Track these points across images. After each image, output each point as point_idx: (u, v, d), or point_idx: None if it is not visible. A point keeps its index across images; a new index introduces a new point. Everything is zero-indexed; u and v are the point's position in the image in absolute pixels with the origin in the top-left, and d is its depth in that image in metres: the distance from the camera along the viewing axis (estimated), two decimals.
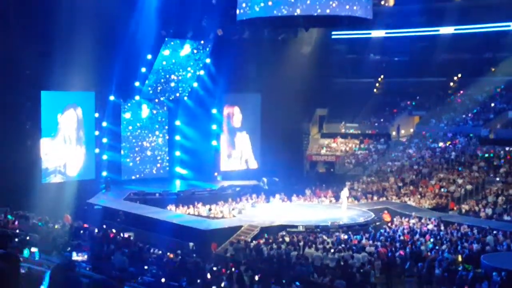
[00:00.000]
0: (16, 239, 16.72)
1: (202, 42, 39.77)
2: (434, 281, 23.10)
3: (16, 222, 23.43)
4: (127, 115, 40.66)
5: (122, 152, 40.33)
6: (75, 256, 15.76)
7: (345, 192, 34.71)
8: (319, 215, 32.68)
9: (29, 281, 8.68)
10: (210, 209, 33.76)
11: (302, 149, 46.92)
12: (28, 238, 17.70)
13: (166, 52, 38.65)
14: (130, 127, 40.94)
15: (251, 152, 44.27)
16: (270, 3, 30.61)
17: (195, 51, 39.90)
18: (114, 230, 27.14)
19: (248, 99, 43.84)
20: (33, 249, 14.82)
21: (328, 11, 30.29)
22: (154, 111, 42.16)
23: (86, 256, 15.80)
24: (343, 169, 45.39)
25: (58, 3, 29.88)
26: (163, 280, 14.83)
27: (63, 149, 35.58)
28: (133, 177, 40.86)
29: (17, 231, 20.17)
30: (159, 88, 40.77)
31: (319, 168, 47.35)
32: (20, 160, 31.63)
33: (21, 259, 10.19)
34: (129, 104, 40.62)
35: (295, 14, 30.14)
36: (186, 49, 39.52)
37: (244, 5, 32.10)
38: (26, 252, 13.20)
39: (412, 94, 52.61)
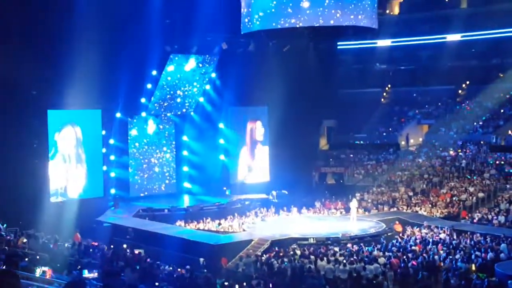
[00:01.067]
0: (26, 259, 16.76)
1: (207, 56, 39.98)
2: None
3: (26, 242, 23.50)
4: (134, 132, 40.83)
5: (129, 169, 40.46)
6: (86, 274, 15.80)
7: (354, 204, 34.68)
8: (330, 227, 32.67)
9: None
10: (219, 224, 33.80)
11: (311, 161, 46.86)
12: (38, 257, 17.76)
13: (170, 68, 38.85)
14: (137, 144, 41.08)
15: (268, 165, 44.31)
16: (273, 14, 30.83)
17: (200, 65, 40.11)
18: (124, 247, 27.21)
19: (255, 112, 43.94)
20: (44, 268, 14.87)
21: (332, 22, 30.41)
22: (161, 127, 42.30)
23: (96, 274, 15.82)
24: (352, 180, 45.33)
25: (63, 22, 30.12)
26: None
27: (68, 168, 35.61)
28: (142, 194, 40.93)
29: (27, 250, 20.23)
30: (165, 104, 40.95)
31: (328, 179, 47.30)
32: (28, 179, 31.76)
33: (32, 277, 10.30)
34: (135, 121, 40.78)
35: (297, 26, 30.28)
36: (191, 63, 39.74)
37: (248, 18, 32.33)
38: (38, 272, 13.25)
39: (420, 103, 52.61)
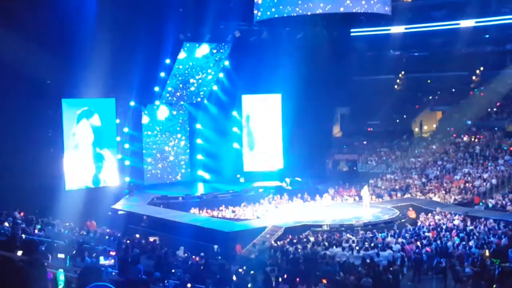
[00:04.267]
0: (43, 247, 16.89)
1: (221, 44, 39.98)
2: (463, 277, 23.00)
3: (41, 229, 23.69)
4: (148, 120, 40.95)
5: (144, 157, 40.62)
6: (102, 261, 15.93)
7: (365, 191, 34.65)
8: (343, 214, 32.67)
9: (57, 285, 8.85)
10: (233, 211, 33.90)
11: (325, 149, 46.80)
12: (54, 244, 17.89)
13: (181, 56, 38.79)
14: (151, 132, 41.23)
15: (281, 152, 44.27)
16: (285, 2, 30.85)
17: (214, 51, 40.06)
18: (140, 235, 27.38)
19: (268, 100, 43.87)
20: (60, 255, 14.98)
21: (341, 9, 30.42)
22: (174, 114, 42.38)
23: (113, 261, 15.93)
24: (365, 167, 45.25)
25: (77, 12, 30.19)
26: (189, 285, 14.91)
27: (86, 162, 35.81)
28: (156, 182, 41.09)
29: (43, 238, 20.39)
30: (178, 92, 41.01)
31: (341, 166, 47.24)
32: (43, 168, 32.00)
33: (46, 264, 10.39)
34: (149, 110, 40.88)
35: (309, 13, 30.31)
36: (204, 49, 39.66)
37: (260, 6, 32.34)
38: (51, 258, 13.37)
39: (434, 90, 52.37)
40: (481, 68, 50.74)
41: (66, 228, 25.67)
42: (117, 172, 37.31)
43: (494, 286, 20.57)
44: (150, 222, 31.50)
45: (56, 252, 14.41)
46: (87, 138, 35.89)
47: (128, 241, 24.57)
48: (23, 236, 18.83)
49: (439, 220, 30.89)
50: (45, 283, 5.68)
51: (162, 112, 41.76)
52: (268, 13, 32.01)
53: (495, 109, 46.91)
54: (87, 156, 35.87)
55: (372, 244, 25.95)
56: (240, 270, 20.44)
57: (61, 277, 9.50)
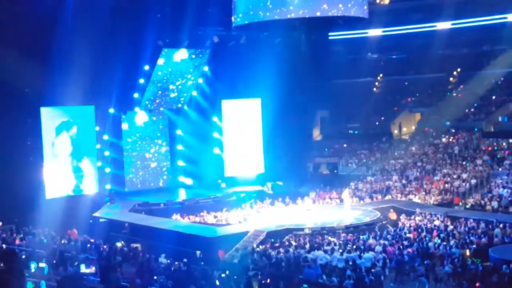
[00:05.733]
0: (24, 256, 16.75)
1: (198, 50, 39.96)
2: (444, 278, 23.14)
3: (22, 239, 23.49)
4: (128, 127, 40.78)
5: (124, 164, 40.45)
6: (84, 269, 15.82)
7: (346, 194, 34.79)
8: (325, 217, 32.71)
9: None
10: (215, 216, 33.84)
11: (305, 152, 46.89)
12: (35, 254, 17.74)
13: (160, 62, 38.69)
14: (131, 139, 41.09)
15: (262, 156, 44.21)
16: (262, 7, 30.94)
17: (193, 56, 40.00)
18: (121, 243, 27.20)
19: (248, 105, 43.85)
20: (41, 264, 14.86)
21: (318, 13, 30.54)
22: (154, 120, 42.27)
23: (94, 269, 15.83)
24: (346, 169, 45.41)
25: (54, 18, 30.01)
26: None
27: (64, 172, 35.61)
28: (137, 189, 40.92)
29: (24, 247, 20.22)
30: (157, 99, 40.92)
31: (322, 169, 47.36)
32: (23, 177, 31.77)
33: (27, 274, 10.29)
34: (129, 116, 40.73)
35: (287, 17, 30.44)
36: (183, 54, 39.56)
37: (238, 11, 32.41)
38: (34, 267, 13.24)
39: (412, 91, 52.73)
40: (458, 70, 51.22)
41: (47, 237, 25.46)
42: (95, 180, 37.07)
43: (477, 285, 20.72)
44: (132, 229, 31.31)
45: (37, 262, 14.27)
46: (66, 149, 35.72)
47: (109, 249, 24.41)
48: (3, 246, 18.67)
49: (420, 221, 31.04)
50: None
51: (142, 118, 41.63)
52: (245, 19, 32.09)
53: (472, 110, 47.31)
54: (66, 167, 35.68)
55: (354, 247, 26.02)
56: (223, 275, 20.38)
57: None
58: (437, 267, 23.88)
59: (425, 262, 24.04)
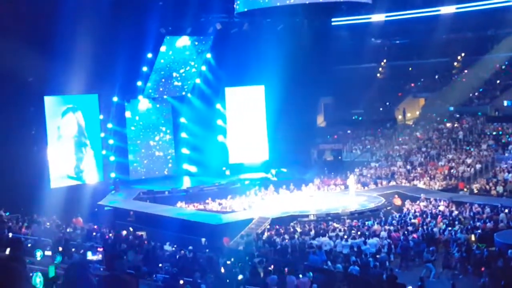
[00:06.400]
0: (29, 244, 16.82)
1: (201, 37, 39.91)
2: (450, 264, 23.15)
3: (28, 227, 23.58)
4: (131, 116, 40.76)
5: (129, 152, 40.48)
6: (90, 256, 15.88)
7: (351, 180, 34.80)
8: (330, 203, 32.77)
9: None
10: (220, 204, 33.91)
11: (309, 139, 46.86)
12: (40, 242, 17.81)
13: (163, 49, 38.60)
14: (135, 127, 41.07)
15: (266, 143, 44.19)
16: None
17: (196, 43, 39.94)
18: (127, 230, 27.30)
19: (252, 92, 43.82)
20: (47, 253, 14.91)
21: None
22: (158, 107, 42.22)
23: (100, 256, 15.90)
24: (350, 155, 45.38)
25: (57, 7, 29.94)
26: (181, 282, 14.88)
27: (68, 153, 35.70)
28: (142, 177, 40.98)
29: (30, 235, 20.31)
30: (161, 87, 40.87)
31: (326, 156, 47.34)
32: (28, 166, 31.85)
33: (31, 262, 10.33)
34: (132, 105, 40.72)
35: (288, 3, 30.48)
36: (185, 42, 39.50)
37: None
38: (40, 255, 13.30)
39: (416, 77, 52.57)
40: (463, 54, 51.00)
41: (52, 226, 25.57)
42: (100, 168, 37.15)
43: (482, 269, 20.75)
44: (136, 217, 31.44)
45: (43, 250, 14.33)
46: (72, 129, 35.81)
47: (115, 237, 24.52)
48: (10, 234, 18.74)
49: (425, 206, 31.06)
50: (29, 280, 5.66)
51: (146, 106, 41.61)
52: (247, 6, 32.09)
53: (476, 94, 47.18)
54: (70, 147, 35.77)
55: (359, 233, 26.06)
56: (228, 262, 20.44)
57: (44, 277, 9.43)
58: (443, 252, 23.92)
59: (431, 248, 24.05)
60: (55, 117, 35.03)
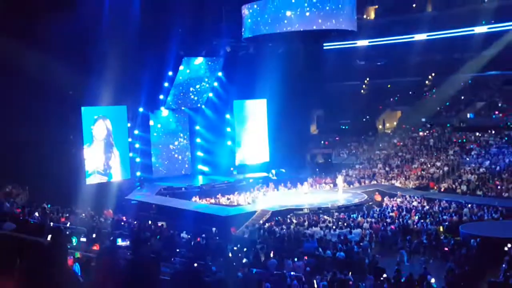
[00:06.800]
0: (67, 232, 16.79)
1: (214, 58, 39.94)
2: (421, 250, 23.10)
3: (66, 218, 23.55)
4: (154, 124, 40.75)
5: (152, 155, 40.45)
6: (120, 242, 15.84)
7: (339, 180, 34.77)
8: (321, 199, 32.71)
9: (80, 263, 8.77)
10: (228, 199, 33.85)
11: (304, 144, 46.78)
12: (77, 230, 17.78)
13: (181, 68, 38.61)
14: (157, 134, 41.05)
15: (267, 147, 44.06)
16: (267, 22, 31.14)
17: (209, 63, 39.97)
18: (150, 221, 27.25)
19: (256, 104, 43.78)
20: (82, 239, 14.90)
21: (314, 27, 30.68)
22: (177, 117, 42.19)
23: (128, 242, 15.85)
24: (338, 159, 45.33)
25: (94, 32, 30.03)
26: (195, 264, 14.83)
27: (99, 154, 35.68)
28: (162, 175, 40.92)
29: (68, 225, 20.27)
30: (179, 100, 40.87)
31: (318, 159, 47.30)
32: (67, 166, 31.83)
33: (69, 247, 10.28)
34: (155, 114, 40.71)
35: (286, 30, 30.75)
36: (200, 61, 39.52)
37: (246, 26, 32.53)
38: (75, 241, 13.28)
39: (394, 93, 52.52)
40: (433, 74, 50.95)
41: (87, 216, 25.53)
42: (125, 167, 37.12)
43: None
44: (158, 209, 31.39)
45: (78, 237, 14.31)
46: (102, 134, 35.72)
47: (138, 226, 24.47)
48: (51, 223, 18.70)
49: (401, 202, 31.00)
50: (67, 262, 5.62)
51: (166, 116, 41.58)
52: (252, 33, 32.28)
53: (444, 108, 47.13)
54: (100, 149, 35.70)
55: (345, 224, 26.01)
56: (235, 248, 20.41)
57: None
58: (416, 241, 23.87)
59: (407, 237, 24.01)
60: (89, 124, 35.06)
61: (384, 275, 17.02)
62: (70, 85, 30.97)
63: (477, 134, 40.57)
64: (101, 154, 35.73)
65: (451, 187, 33.82)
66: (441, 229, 24.93)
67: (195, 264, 14.19)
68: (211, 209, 30.57)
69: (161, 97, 39.45)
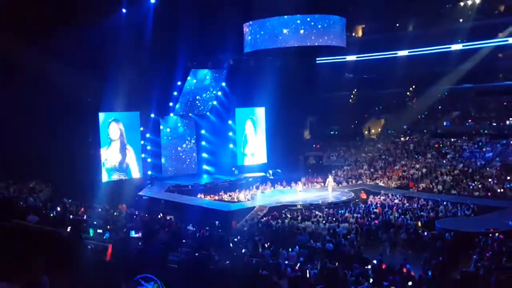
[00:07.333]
0: (85, 224, 16.78)
1: (218, 70, 39.96)
2: (401, 243, 23.10)
3: (84, 212, 23.54)
4: (164, 128, 40.76)
5: (162, 156, 40.44)
6: (133, 234, 15.81)
7: (329, 179, 34.76)
8: (313, 196, 32.70)
9: (96, 253, 8.75)
10: (230, 195, 33.84)
11: (298, 148, 46.75)
12: (95, 222, 17.77)
13: (188, 78, 38.62)
14: (167, 137, 41.02)
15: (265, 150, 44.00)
16: (266, 39, 31.28)
17: (216, 74, 39.99)
18: (159, 214, 27.23)
19: (255, 112, 43.76)
20: (99, 231, 14.85)
21: (308, 43, 30.83)
22: (184, 122, 42.16)
23: (140, 234, 15.82)
24: (328, 161, 45.32)
25: (112, 46, 30.04)
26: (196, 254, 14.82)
27: (114, 154, 35.71)
28: (171, 174, 40.90)
29: (85, 218, 20.26)
30: (187, 107, 40.87)
31: (310, 161, 47.26)
32: (85, 165, 31.90)
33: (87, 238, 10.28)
34: (165, 120, 40.72)
35: (282, 46, 30.92)
36: (206, 72, 39.54)
37: (247, 41, 32.61)
38: (91, 232, 13.25)
39: (379, 103, 52.51)
40: (414, 86, 50.94)
41: (103, 210, 25.51)
42: (141, 167, 37.16)
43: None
44: (167, 204, 31.36)
45: (95, 229, 14.28)
46: (116, 135, 35.75)
47: (148, 219, 24.45)
48: (71, 216, 18.69)
49: (384, 200, 31.00)
50: (85, 250, 5.64)
51: (175, 121, 41.58)
52: (252, 48, 32.39)
53: (423, 117, 47.15)
54: (116, 150, 35.74)
55: (334, 219, 26.00)
56: (236, 239, 20.40)
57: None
58: (396, 234, 23.86)
59: (391, 230, 23.99)
60: (105, 127, 35.11)
61: (369, 265, 17.02)
62: (88, 93, 31.03)
63: (452, 139, 40.58)
64: (117, 153, 35.79)
65: (428, 187, 33.83)
66: (420, 224, 24.93)
67: (199, 254, 14.21)
68: (214, 205, 30.57)
69: (171, 104, 39.45)
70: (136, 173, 36.73)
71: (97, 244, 9.99)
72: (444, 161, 37.47)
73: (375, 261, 17.21)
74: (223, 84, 41.18)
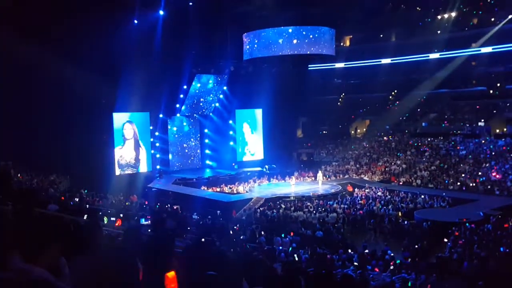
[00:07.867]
0: (100, 213, 16.78)
1: (220, 75, 39.91)
2: (384, 231, 23.15)
3: (99, 201, 23.54)
4: (171, 127, 40.70)
5: (169, 152, 40.39)
6: (143, 222, 15.83)
7: (319, 174, 34.77)
8: (304, 189, 32.70)
9: (109, 239, 8.73)
10: (230, 188, 33.82)
11: (291, 145, 46.75)
12: (108, 211, 17.78)
13: (193, 83, 38.57)
14: (173, 135, 40.97)
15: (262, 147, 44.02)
16: (263, 48, 31.31)
17: (219, 79, 39.95)
18: (167, 204, 27.22)
19: (254, 113, 43.75)
20: (112, 219, 14.87)
21: (301, 51, 30.89)
22: (190, 121, 42.13)
23: (149, 222, 15.83)
24: (319, 157, 45.34)
25: (124, 51, 29.96)
26: (202, 239, 14.81)
27: (128, 152, 35.70)
28: (178, 168, 40.86)
29: (101, 207, 20.26)
30: (192, 108, 40.79)
31: (302, 157, 47.28)
32: (101, 160, 31.88)
33: (102, 225, 10.26)
34: (173, 120, 40.66)
35: (277, 54, 31.06)
36: (209, 77, 39.47)
37: (246, 50, 32.60)
38: (106, 220, 13.26)
39: (364, 105, 52.56)
40: (395, 91, 51.01)
41: (116, 200, 25.52)
42: (151, 162, 37.14)
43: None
44: (173, 195, 31.33)
45: (109, 217, 14.28)
46: (129, 134, 35.74)
47: (157, 208, 24.45)
48: (87, 206, 18.70)
49: (368, 192, 31.03)
50: (101, 237, 5.62)
51: (181, 121, 41.52)
52: (251, 55, 32.32)
53: (404, 118, 47.20)
54: (129, 147, 35.71)
55: (323, 209, 26.03)
56: (235, 227, 20.41)
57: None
58: (379, 223, 23.91)
59: (372, 221, 24.05)
60: (119, 127, 35.07)
61: (354, 251, 17.04)
62: (103, 95, 31.00)
63: (430, 139, 40.61)
64: (132, 151, 35.79)
65: (408, 181, 33.88)
66: (400, 214, 24.99)
67: (202, 240, 14.21)
68: (216, 196, 30.55)
69: (177, 105, 39.37)
70: (145, 168, 36.70)
71: (110, 231, 9.99)
72: (423, 158, 37.53)
73: (360, 247, 17.24)
74: (225, 88, 41.12)
